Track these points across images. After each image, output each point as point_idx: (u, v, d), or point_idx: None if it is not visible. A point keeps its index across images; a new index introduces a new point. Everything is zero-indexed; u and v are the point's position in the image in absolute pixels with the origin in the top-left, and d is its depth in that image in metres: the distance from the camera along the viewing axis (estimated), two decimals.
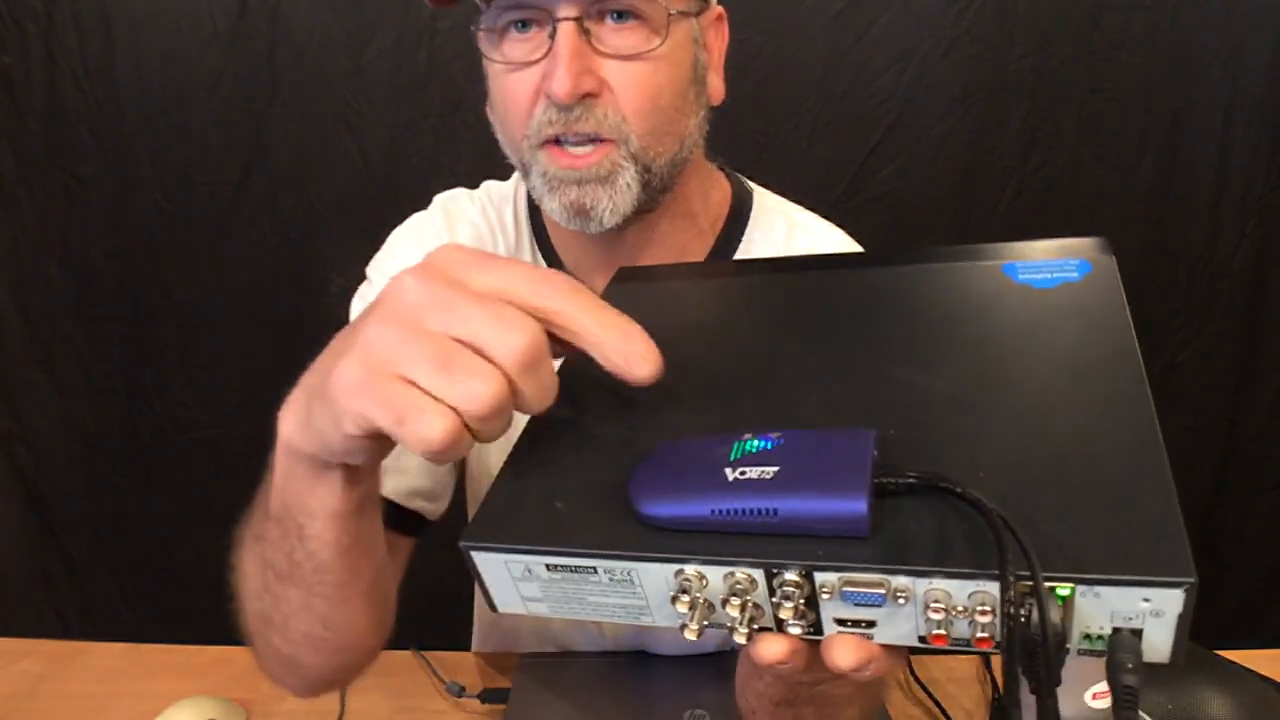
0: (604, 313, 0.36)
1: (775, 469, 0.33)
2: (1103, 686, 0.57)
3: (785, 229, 0.75)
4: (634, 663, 0.75)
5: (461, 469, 0.80)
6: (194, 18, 1.28)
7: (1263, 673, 0.67)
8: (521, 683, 0.74)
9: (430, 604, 1.38)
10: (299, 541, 0.45)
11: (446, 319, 0.34)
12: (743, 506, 0.32)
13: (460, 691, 0.76)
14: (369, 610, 0.52)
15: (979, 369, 0.39)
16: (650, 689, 0.72)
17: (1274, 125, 1.28)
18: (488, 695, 0.75)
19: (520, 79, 0.60)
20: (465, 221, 0.75)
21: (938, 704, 0.75)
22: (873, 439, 0.34)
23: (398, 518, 0.68)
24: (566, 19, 0.57)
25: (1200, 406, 1.40)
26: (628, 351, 0.36)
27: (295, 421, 0.40)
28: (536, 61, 0.59)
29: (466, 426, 0.33)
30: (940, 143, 1.30)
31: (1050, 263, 0.45)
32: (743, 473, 0.33)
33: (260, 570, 0.50)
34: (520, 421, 0.40)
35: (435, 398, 0.33)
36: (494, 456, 0.79)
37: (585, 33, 0.58)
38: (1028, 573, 0.28)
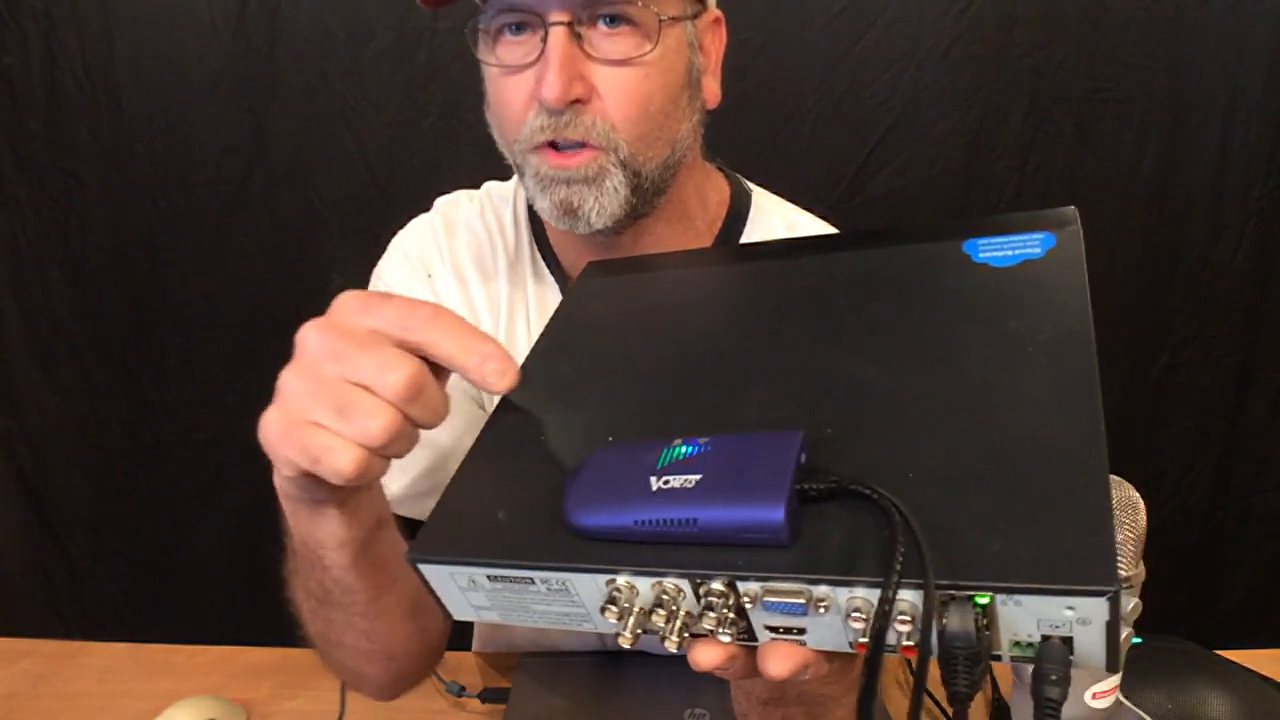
0: (464, 336, 0.40)
1: (698, 477, 0.33)
2: (1101, 686, 0.57)
3: (784, 228, 0.75)
4: (634, 663, 0.75)
5: None
6: (194, 17, 1.28)
7: (1263, 673, 0.67)
8: (521, 683, 0.74)
9: None
10: (322, 570, 0.49)
11: (339, 366, 0.39)
12: (664, 516, 0.32)
13: (460, 691, 0.76)
14: (409, 619, 0.55)
15: (928, 359, 0.39)
16: (650, 689, 0.72)
17: (1274, 125, 1.28)
18: (488, 695, 0.75)
19: (514, 83, 0.61)
20: (464, 227, 0.75)
21: (937, 704, 0.75)
22: (799, 441, 0.33)
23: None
24: (558, 23, 0.57)
25: (1200, 406, 1.39)
26: (485, 369, 0.39)
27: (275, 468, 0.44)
28: (529, 65, 0.59)
29: (374, 453, 0.38)
30: (940, 143, 1.30)
31: (1012, 238, 0.44)
32: (666, 482, 0.33)
33: (305, 598, 0.54)
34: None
35: (341, 436, 0.38)
36: None
37: (577, 37, 0.58)
38: (919, 580, 0.28)
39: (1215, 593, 1.47)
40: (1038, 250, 0.43)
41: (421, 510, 0.68)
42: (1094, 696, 0.59)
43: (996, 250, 0.44)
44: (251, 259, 1.39)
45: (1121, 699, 0.59)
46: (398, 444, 0.39)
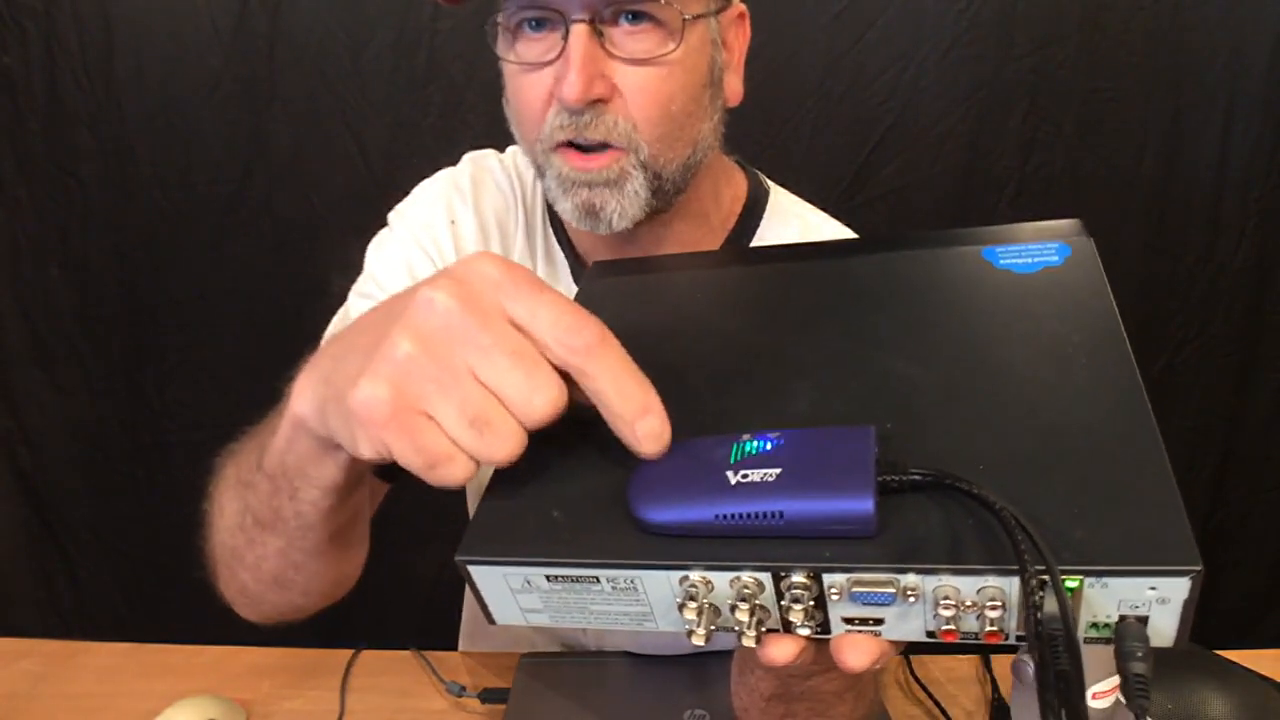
0: (627, 380, 0.35)
1: (778, 471, 0.32)
2: (1101, 686, 0.57)
3: (799, 230, 0.74)
4: (634, 663, 0.75)
5: None
6: (194, 18, 1.28)
7: (1263, 673, 0.67)
8: (521, 683, 0.74)
9: (430, 604, 1.38)
10: (290, 500, 0.46)
11: (477, 360, 0.34)
12: (748, 510, 0.32)
13: (460, 691, 0.76)
14: (343, 561, 0.54)
15: (968, 358, 0.39)
16: (650, 689, 0.72)
17: (1274, 125, 1.28)
18: (488, 695, 0.75)
19: (533, 81, 0.60)
20: (491, 183, 0.75)
21: (937, 704, 0.75)
22: (872, 436, 0.33)
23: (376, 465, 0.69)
24: (579, 21, 0.56)
25: (1200, 406, 1.39)
26: (640, 425, 0.35)
27: (310, 404, 0.39)
28: (549, 63, 0.59)
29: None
30: (940, 143, 1.30)
31: (1030, 247, 0.45)
32: (745, 475, 0.33)
33: (240, 512, 0.51)
34: None
35: (464, 449, 0.34)
36: None
37: (598, 34, 0.57)
38: (1042, 568, 0.28)
39: (1215, 593, 1.47)
40: (1055, 259, 0.44)
41: None
42: (1094, 696, 0.59)
43: (1017, 258, 0.44)
44: (251, 259, 1.39)
45: (1121, 699, 0.59)
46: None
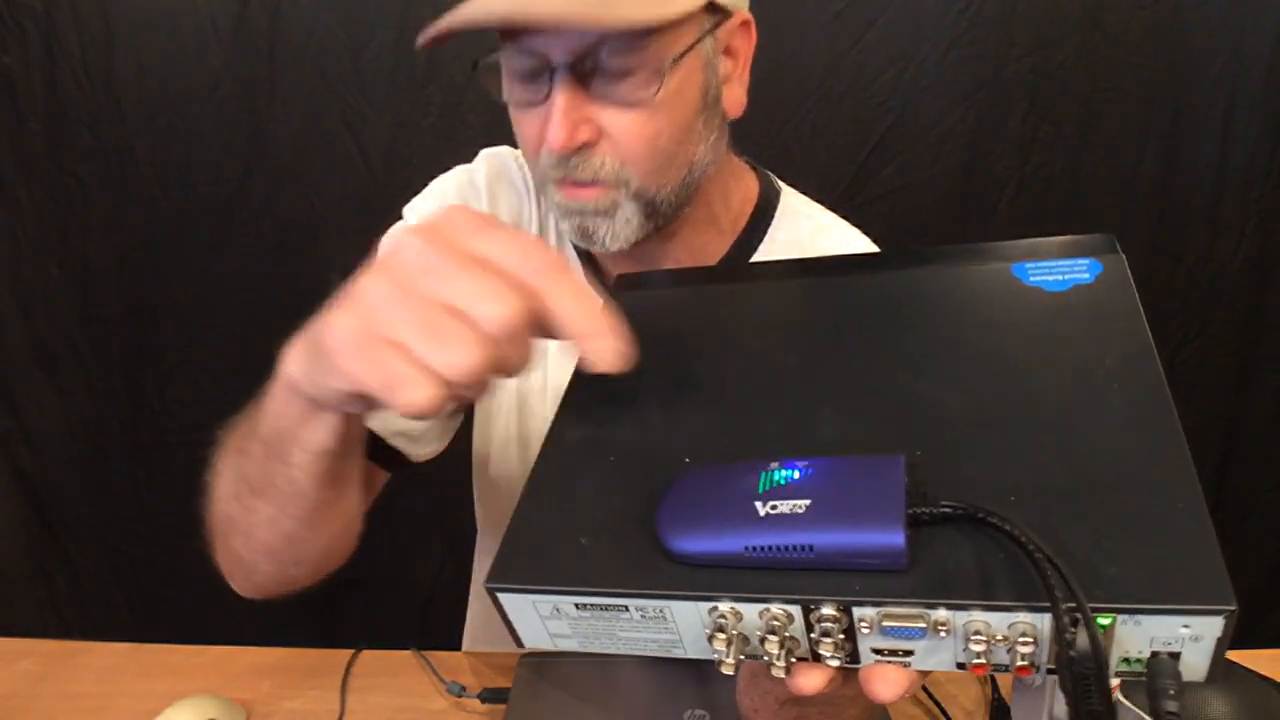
0: (588, 300, 0.36)
1: (807, 502, 0.32)
2: None
3: (810, 231, 0.74)
4: (634, 663, 0.75)
5: (469, 439, 0.80)
6: (194, 18, 1.28)
7: (1263, 673, 0.67)
8: (521, 682, 0.74)
9: (430, 604, 1.38)
10: (282, 466, 0.47)
11: (437, 284, 0.35)
12: (778, 543, 0.32)
13: (460, 691, 0.76)
14: (332, 535, 0.55)
15: (998, 381, 0.39)
16: (650, 689, 0.72)
17: (1274, 125, 1.28)
18: (488, 695, 0.75)
19: (529, 118, 0.62)
20: (507, 182, 0.76)
21: (937, 704, 0.74)
22: (903, 466, 0.33)
23: (378, 451, 0.69)
24: (563, 68, 0.57)
25: (1200, 406, 1.39)
26: (601, 343, 0.36)
27: (300, 364, 0.41)
28: (540, 103, 0.60)
29: (450, 390, 0.35)
30: (940, 143, 1.30)
31: (1060, 263, 0.44)
32: (774, 507, 0.32)
33: (235, 479, 0.53)
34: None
35: (423, 367, 0.34)
36: (495, 444, 0.79)
37: (583, 78, 0.58)
38: (1074, 605, 0.28)
39: None
40: (1087, 275, 0.43)
41: (382, 423, 0.68)
42: None
43: (1047, 274, 0.44)
44: (251, 259, 1.39)
45: (1121, 699, 0.59)
46: (478, 386, 0.35)
